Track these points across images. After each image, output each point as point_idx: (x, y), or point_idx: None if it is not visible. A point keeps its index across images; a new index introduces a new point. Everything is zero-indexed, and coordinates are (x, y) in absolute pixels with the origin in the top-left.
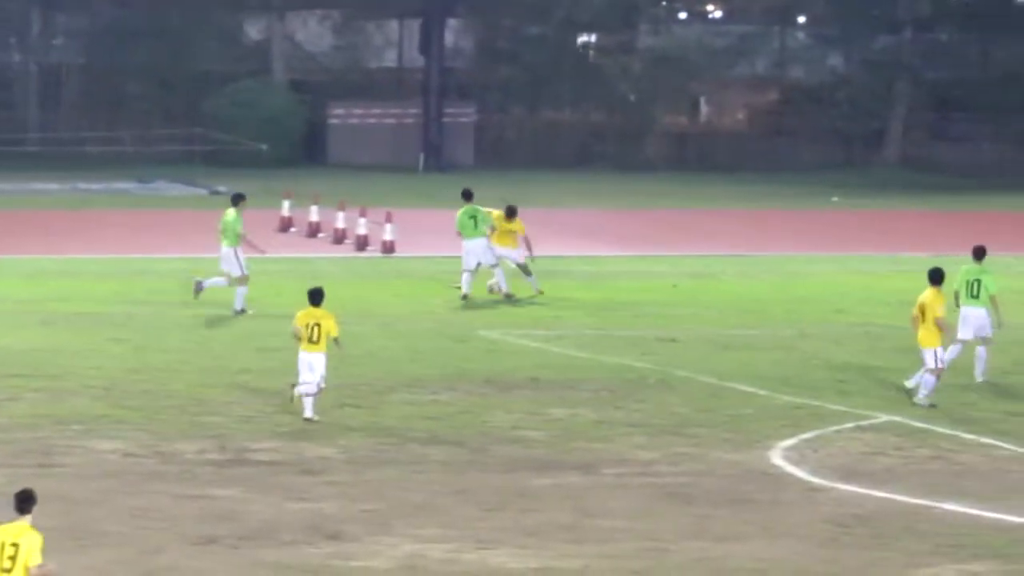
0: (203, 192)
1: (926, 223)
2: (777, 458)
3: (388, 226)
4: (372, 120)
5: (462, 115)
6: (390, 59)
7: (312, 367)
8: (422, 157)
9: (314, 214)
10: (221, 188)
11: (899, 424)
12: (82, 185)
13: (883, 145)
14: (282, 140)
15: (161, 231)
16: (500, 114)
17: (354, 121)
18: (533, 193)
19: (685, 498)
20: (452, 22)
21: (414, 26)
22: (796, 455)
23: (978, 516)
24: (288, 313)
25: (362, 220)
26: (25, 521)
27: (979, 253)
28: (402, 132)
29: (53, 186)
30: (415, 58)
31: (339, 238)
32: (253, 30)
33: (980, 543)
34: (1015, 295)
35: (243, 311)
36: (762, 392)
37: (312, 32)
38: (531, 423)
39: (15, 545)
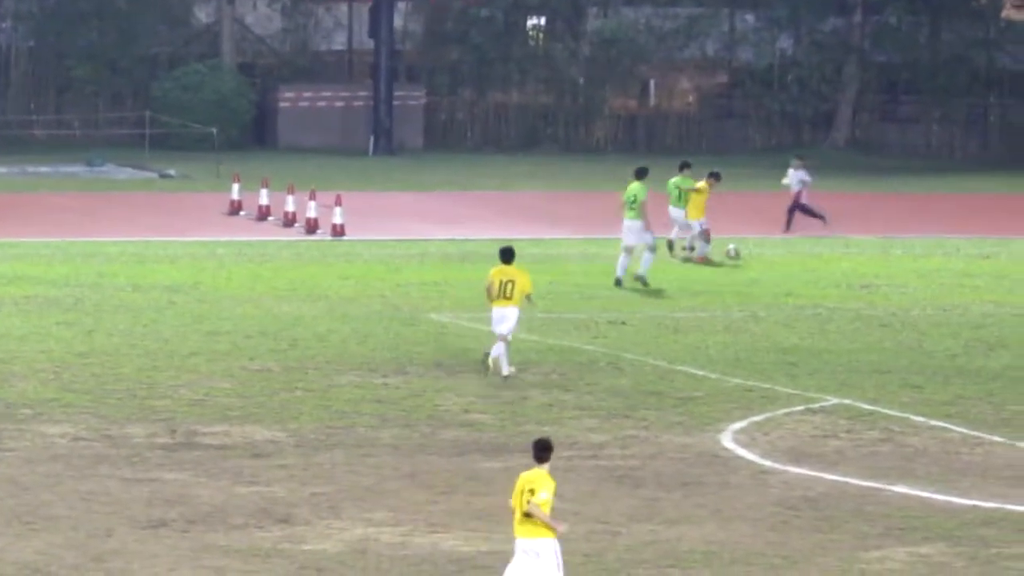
0: (152, 175)
1: (875, 205)
2: (727, 441)
3: (338, 209)
4: (321, 103)
5: (411, 98)
6: (339, 42)
7: (505, 318)
8: (372, 140)
9: (264, 197)
10: (170, 171)
11: (849, 407)
12: (30, 168)
13: (832, 127)
14: (231, 123)
15: (110, 214)
16: (449, 97)
17: (303, 104)
18: (482, 175)
19: (635, 481)
20: (401, 5)
21: (363, 9)
22: (746, 438)
23: (928, 499)
24: (237, 296)
25: (312, 203)
26: None
27: None
28: (351, 115)
29: (1, 169)
30: (364, 41)
31: (289, 221)
32: (202, 13)
33: (930, 525)
34: (964, 277)
35: None
36: (712, 375)
37: (261, 15)
38: (481, 406)
39: None
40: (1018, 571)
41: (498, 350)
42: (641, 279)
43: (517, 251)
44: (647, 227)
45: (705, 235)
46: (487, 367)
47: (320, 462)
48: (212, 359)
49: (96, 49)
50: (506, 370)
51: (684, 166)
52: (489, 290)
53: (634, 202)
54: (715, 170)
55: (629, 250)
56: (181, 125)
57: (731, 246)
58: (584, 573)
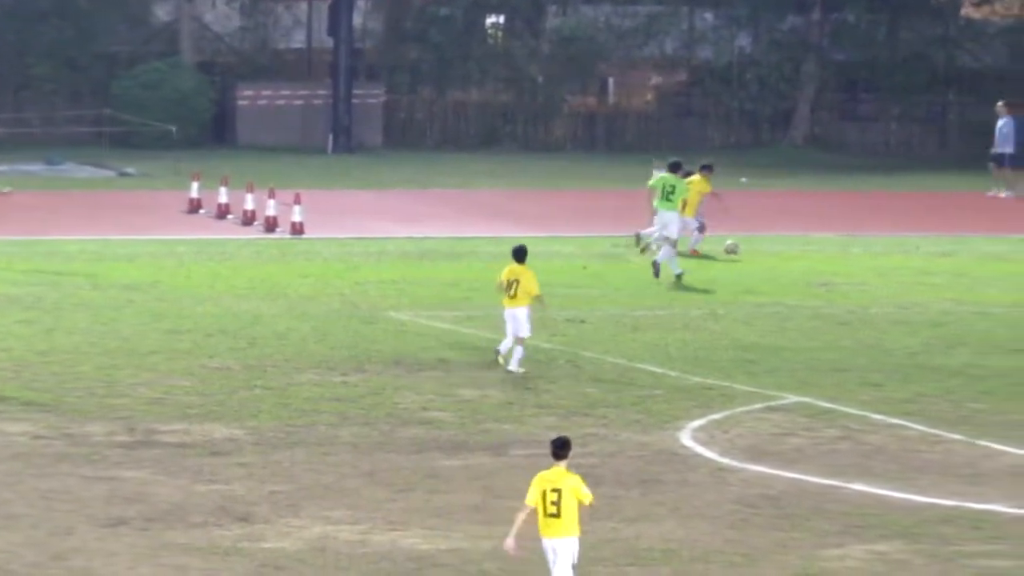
0: (111, 174)
1: (834, 203)
2: (686, 439)
3: (297, 207)
4: (281, 101)
5: (371, 96)
6: (298, 40)
7: (514, 318)
8: (331, 138)
9: (223, 196)
10: (130, 170)
11: (808, 405)
12: None
13: (791, 125)
14: (190, 121)
15: (69, 213)
16: (409, 95)
17: (263, 102)
18: (441, 174)
19: (595, 479)
20: (361, 3)
21: (322, 7)
22: (705, 436)
23: (886, 496)
24: (197, 295)
25: (271, 201)
26: None
27: None
28: (311, 113)
29: None
30: (324, 39)
31: (248, 220)
32: (161, 11)
33: (888, 523)
34: (923, 275)
35: None
36: (672, 373)
37: (220, 13)
38: (440, 404)
39: None
40: (976, 568)
41: (517, 355)
42: (656, 266)
43: (474, 249)
44: (683, 221)
45: (701, 228)
46: (498, 360)
47: (279, 460)
48: (171, 357)
49: (55, 47)
50: (513, 366)
51: (675, 166)
52: (498, 287)
53: (672, 193)
54: (706, 162)
55: (674, 242)
56: (141, 123)
57: (729, 242)
58: (543, 572)
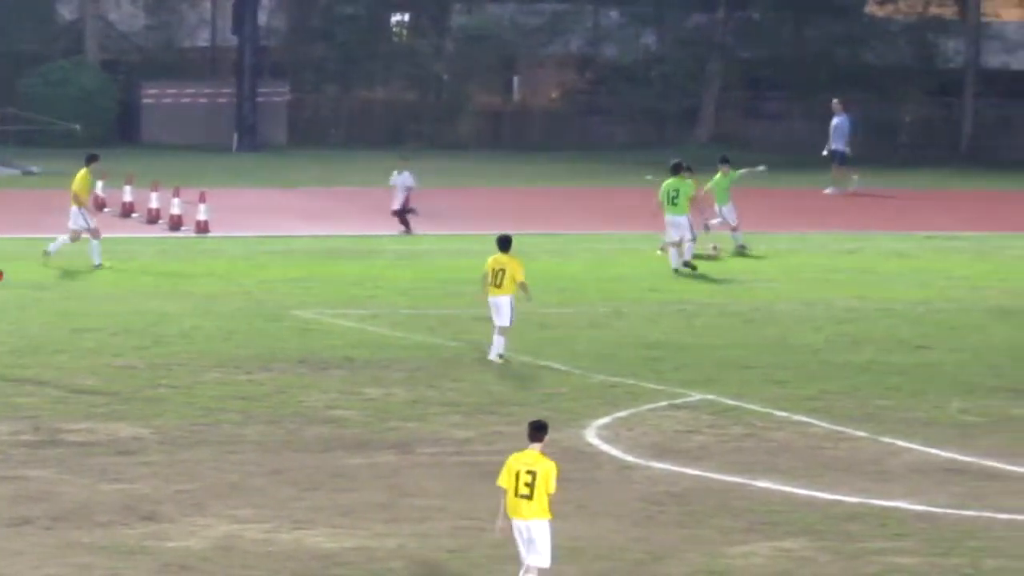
0: (16, 172)
1: (738, 201)
2: (592, 437)
3: (202, 206)
4: (185, 100)
5: (275, 94)
6: (203, 39)
7: (499, 307)
8: (236, 137)
9: (128, 194)
10: (34, 168)
11: (713, 402)
12: None
13: (696, 123)
14: (96, 120)
15: None
16: (314, 93)
17: (167, 101)
18: (346, 172)
19: None
20: (265, 1)
21: (227, 6)
22: (611, 433)
23: (791, 493)
24: (102, 293)
25: (176, 200)
26: None
27: None
28: (216, 112)
29: None
30: (228, 38)
31: (153, 218)
32: (66, 10)
33: (793, 520)
34: (827, 272)
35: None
36: (577, 371)
37: (125, 12)
38: (346, 403)
39: None
40: (882, 565)
41: (498, 346)
42: (688, 264)
43: (379, 247)
44: (689, 220)
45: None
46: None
47: (185, 459)
48: (77, 356)
49: None
50: (493, 354)
51: (679, 168)
52: (484, 279)
53: (676, 197)
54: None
55: (677, 244)
56: (46, 122)
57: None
58: (450, 569)
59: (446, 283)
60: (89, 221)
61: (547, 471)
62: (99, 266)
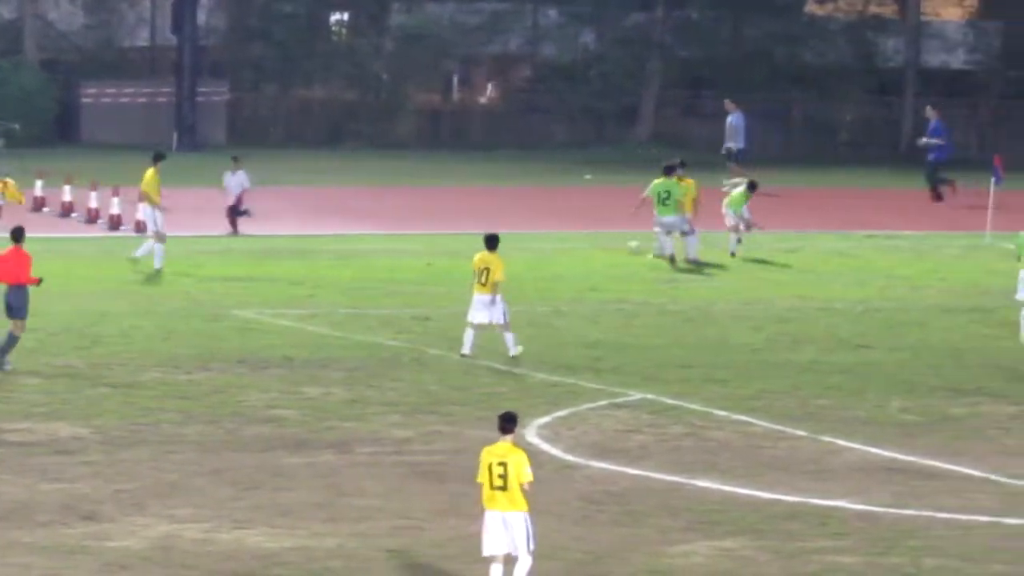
0: None
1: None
2: (531, 436)
3: (141, 205)
4: (125, 99)
5: (215, 94)
6: (143, 38)
7: (484, 305)
8: (175, 136)
9: (67, 194)
10: None
11: (653, 401)
12: None
13: (635, 122)
14: (35, 119)
15: None
16: (253, 93)
17: (107, 100)
18: (286, 171)
19: (439, 476)
20: (204, 0)
21: (166, 5)
22: (550, 433)
23: (731, 492)
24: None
25: (115, 199)
26: None
27: None
28: (155, 111)
29: None
30: (168, 37)
31: (92, 218)
32: (4, 9)
33: (733, 519)
34: (767, 272)
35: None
36: (516, 370)
37: (64, 11)
38: (285, 402)
39: None
40: (822, 564)
41: (507, 340)
42: (694, 261)
43: (318, 247)
44: (684, 217)
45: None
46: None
47: (125, 459)
48: (16, 356)
49: None
50: (513, 351)
51: (672, 168)
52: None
53: (668, 198)
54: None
55: (668, 234)
56: None
57: (633, 243)
58: (388, 569)
59: (385, 283)
60: (158, 223)
61: (517, 461)
62: (159, 271)
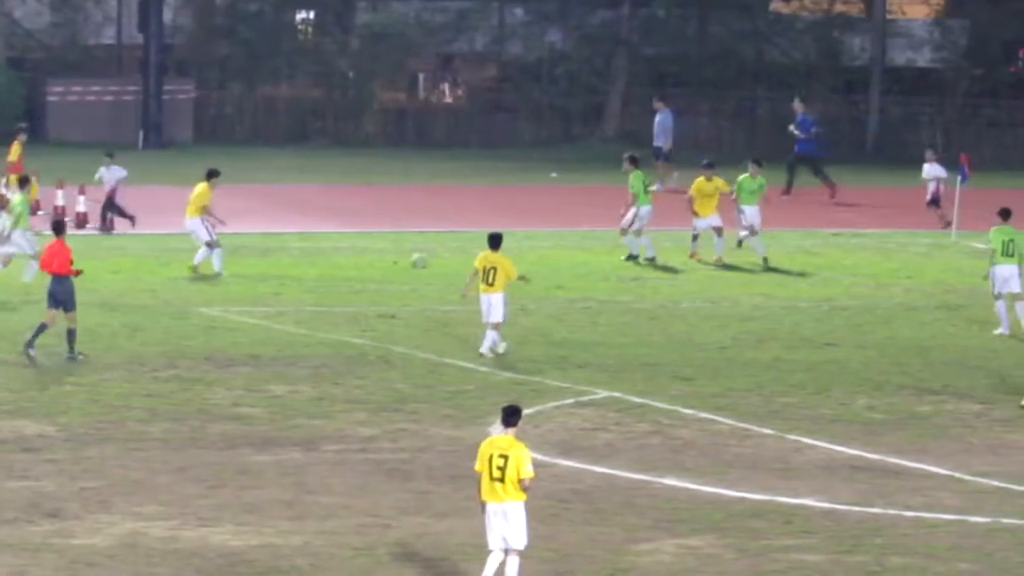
0: None
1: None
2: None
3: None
4: (91, 97)
5: (181, 92)
6: (109, 36)
7: (492, 305)
8: (141, 134)
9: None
10: None
11: (618, 400)
12: None
13: (602, 120)
14: (1, 117)
15: None
16: (219, 91)
17: (73, 98)
18: (252, 169)
19: (405, 474)
20: None
21: (132, 3)
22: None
23: (697, 491)
24: (8, 289)
25: (81, 198)
26: None
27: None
28: (121, 109)
29: None
30: (134, 35)
31: (59, 216)
32: None
33: (698, 517)
34: (731, 269)
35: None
36: (482, 368)
37: (31, 9)
38: (251, 400)
39: None
40: (787, 562)
41: (489, 340)
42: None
43: (284, 244)
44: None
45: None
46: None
47: (90, 456)
48: None
49: None
50: (484, 348)
51: (631, 161)
52: (472, 276)
53: (645, 191)
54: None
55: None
56: None
57: (416, 255)
58: (355, 567)
59: (351, 281)
60: (211, 232)
61: (519, 456)
62: (220, 273)
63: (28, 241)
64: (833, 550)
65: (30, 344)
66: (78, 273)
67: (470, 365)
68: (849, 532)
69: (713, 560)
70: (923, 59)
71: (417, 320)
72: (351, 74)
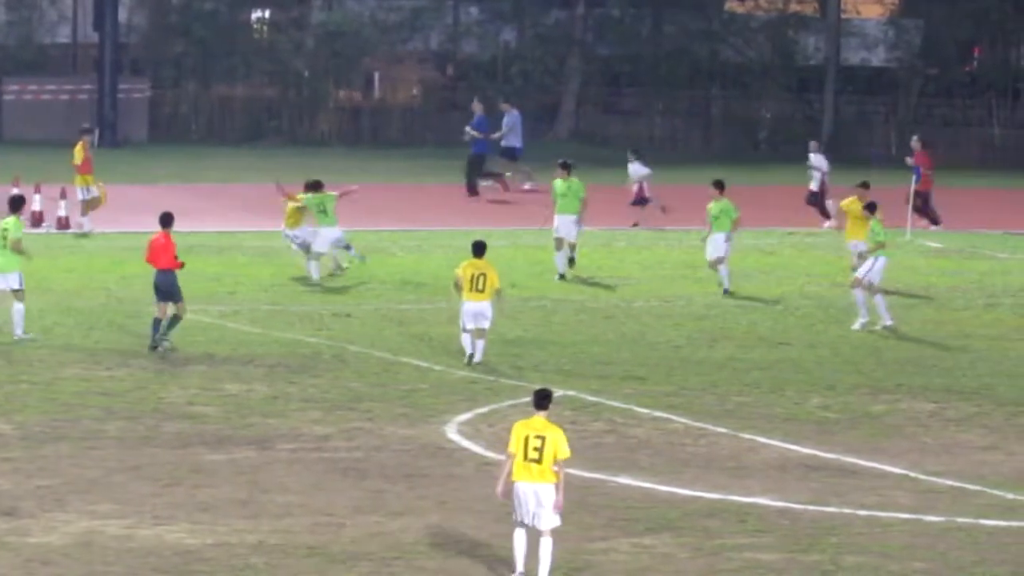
0: None
1: (597, 197)
2: (452, 433)
3: (63, 202)
4: (47, 96)
5: (136, 91)
6: (64, 35)
7: (481, 313)
8: (96, 133)
9: None
10: None
11: (573, 398)
12: None
13: (556, 120)
14: None
15: None
16: (174, 90)
17: (28, 97)
18: (207, 168)
19: (360, 473)
20: None
21: (87, 2)
22: (471, 429)
23: (651, 490)
24: None
25: (37, 196)
26: None
27: None
28: (76, 108)
29: None
30: (89, 34)
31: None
32: None
33: (653, 516)
34: (686, 269)
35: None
36: (437, 367)
37: None
38: (206, 399)
39: None
40: (741, 561)
41: (477, 348)
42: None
43: (238, 243)
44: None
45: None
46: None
47: (45, 455)
48: None
49: None
50: (477, 356)
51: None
52: (458, 284)
53: (569, 197)
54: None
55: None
56: None
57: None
58: (309, 566)
59: (306, 280)
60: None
61: (556, 437)
62: (317, 281)
63: None
64: (788, 549)
65: (160, 340)
66: (182, 266)
67: (424, 364)
68: (804, 531)
69: (668, 559)
70: (877, 59)
71: (372, 318)
72: (306, 73)
